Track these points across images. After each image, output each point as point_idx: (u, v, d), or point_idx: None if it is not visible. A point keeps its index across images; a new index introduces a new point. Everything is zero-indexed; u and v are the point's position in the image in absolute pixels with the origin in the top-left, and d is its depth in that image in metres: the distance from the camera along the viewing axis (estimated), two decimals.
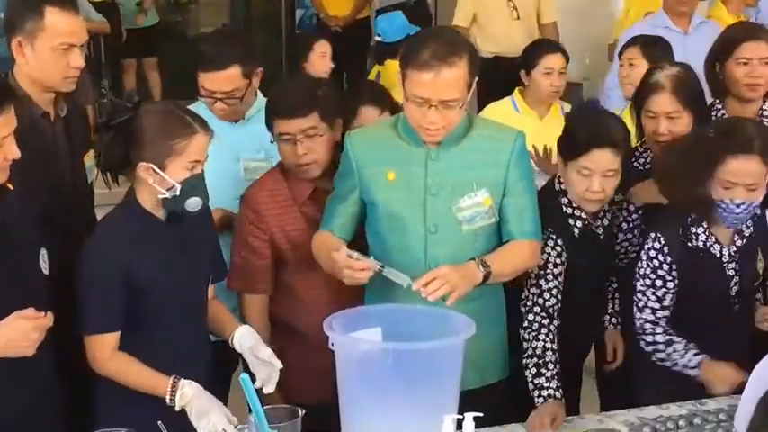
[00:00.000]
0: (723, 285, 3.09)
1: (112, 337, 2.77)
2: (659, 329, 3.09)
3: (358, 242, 3.01)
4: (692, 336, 3.08)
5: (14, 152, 2.58)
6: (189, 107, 3.01)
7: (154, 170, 2.74)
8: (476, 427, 2.40)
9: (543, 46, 4.98)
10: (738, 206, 2.96)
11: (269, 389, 2.82)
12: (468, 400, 2.51)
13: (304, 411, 2.47)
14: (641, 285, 3.11)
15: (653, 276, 3.08)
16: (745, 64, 3.72)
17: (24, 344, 2.47)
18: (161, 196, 2.76)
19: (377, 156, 2.98)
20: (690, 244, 3.05)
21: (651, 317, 3.10)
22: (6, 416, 2.62)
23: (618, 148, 3.10)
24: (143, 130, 2.75)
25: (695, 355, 3.03)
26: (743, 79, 3.71)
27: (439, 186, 2.92)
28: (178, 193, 2.75)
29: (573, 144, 3.15)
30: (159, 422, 2.41)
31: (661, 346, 3.08)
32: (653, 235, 3.10)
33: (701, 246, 3.05)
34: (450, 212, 2.92)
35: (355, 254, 2.80)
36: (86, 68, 3.30)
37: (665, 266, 3.06)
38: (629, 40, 4.52)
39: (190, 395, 2.71)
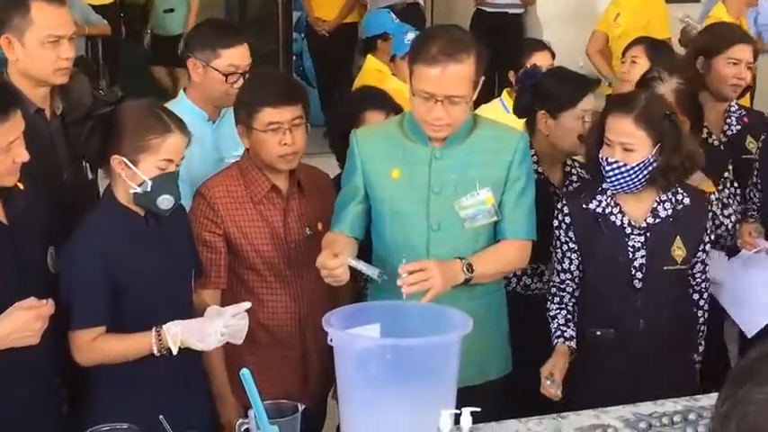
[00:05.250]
0: (622, 256, 3.12)
1: (96, 331, 2.77)
2: (556, 299, 3.20)
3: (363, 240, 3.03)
4: (590, 306, 3.18)
5: (23, 155, 2.61)
6: (167, 104, 3.04)
7: (126, 164, 2.75)
8: (474, 422, 2.43)
9: (529, 45, 5.02)
10: (609, 164, 3.04)
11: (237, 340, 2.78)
12: (469, 397, 2.53)
13: (303, 407, 2.49)
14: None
15: (555, 241, 3.18)
16: (735, 64, 3.77)
17: (28, 333, 2.50)
18: (132, 191, 2.78)
19: (382, 153, 3.01)
20: (584, 206, 3.13)
21: (557, 279, 3.20)
22: (8, 409, 2.65)
23: None
24: (121, 123, 2.77)
25: (557, 337, 3.15)
26: (730, 79, 3.78)
27: (442, 184, 2.95)
28: (149, 189, 2.76)
29: (571, 94, 3.44)
30: (161, 417, 2.44)
31: (550, 318, 3.20)
32: (562, 200, 3.21)
33: (600, 211, 3.12)
34: (452, 210, 2.95)
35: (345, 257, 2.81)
36: (84, 70, 3.33)
37: (564, 225, 3.15)
38: (634, 39, 4.57)
39: (178, 331, 2.71)
